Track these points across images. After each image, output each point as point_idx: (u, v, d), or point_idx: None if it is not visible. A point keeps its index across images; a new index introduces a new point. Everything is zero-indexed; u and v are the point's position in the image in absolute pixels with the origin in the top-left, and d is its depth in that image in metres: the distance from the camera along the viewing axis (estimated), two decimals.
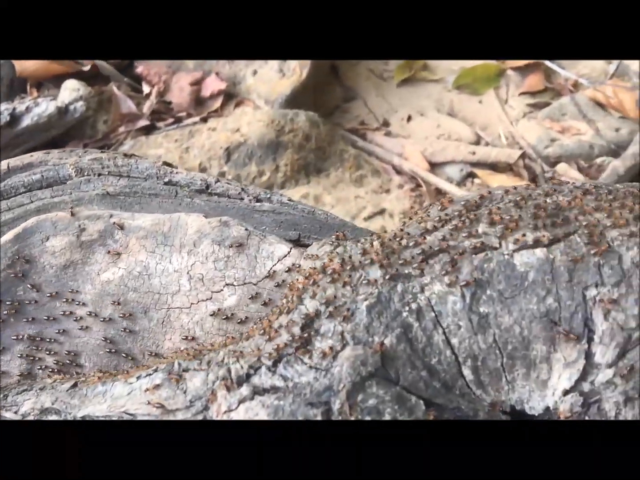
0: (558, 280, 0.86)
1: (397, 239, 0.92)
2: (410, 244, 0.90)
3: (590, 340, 0.84)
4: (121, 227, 1.07)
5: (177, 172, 1.39)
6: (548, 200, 0.93)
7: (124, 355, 1.02)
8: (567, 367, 0.84)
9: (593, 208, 0.91)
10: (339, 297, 0.85)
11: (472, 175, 3.08)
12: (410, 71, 3.56)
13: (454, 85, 3.53)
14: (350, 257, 0.92)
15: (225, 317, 0.97)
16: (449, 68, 3.68)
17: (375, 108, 3.33)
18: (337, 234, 1.02)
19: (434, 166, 3.07)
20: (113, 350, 1.02)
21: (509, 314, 0.86)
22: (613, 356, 0.83)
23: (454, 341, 0.85)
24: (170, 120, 2.74)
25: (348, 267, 0.89)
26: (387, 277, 0.87)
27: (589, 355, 0.84)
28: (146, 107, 2.70)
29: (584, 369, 0.84)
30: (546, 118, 3.45)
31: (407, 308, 0.85)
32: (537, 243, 0.88)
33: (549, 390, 0.85)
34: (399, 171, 3.02)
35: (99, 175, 1.25)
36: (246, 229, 1.04)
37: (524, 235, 0.88)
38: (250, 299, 1.00)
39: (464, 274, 0.86)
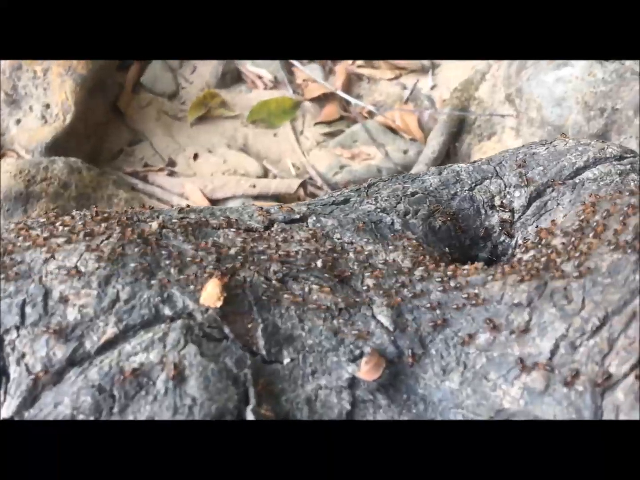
0: None
1: None
2: None
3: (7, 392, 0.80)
4: None
5: None
6: None
7: None
8: None
9: None
10: None
11: None
12: (205, 109, 3.56)
13: (248, 120, 3.55)
14: None
15: None
16: (248, 104, 3.70)
17: (162, 149, 3.31)
18: None
19: (215, 203, 3.06)
20: None
21: None
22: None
23: None
24: None
25: None
26: None
27: None
28: None
29: None
30: (338, 146, 3.52)
31: None
32: None
33: None
34: None
35: None
36: None
37: None
38: None
39: None
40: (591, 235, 0.94)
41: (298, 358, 0.91)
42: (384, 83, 3.88)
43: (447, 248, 1.15)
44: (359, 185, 1.24)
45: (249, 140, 3.47)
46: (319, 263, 0.99)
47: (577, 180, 1.18)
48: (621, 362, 0.81)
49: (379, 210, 1.12)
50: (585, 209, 1.01)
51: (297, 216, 1.07)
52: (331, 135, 3.59)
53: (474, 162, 1.29)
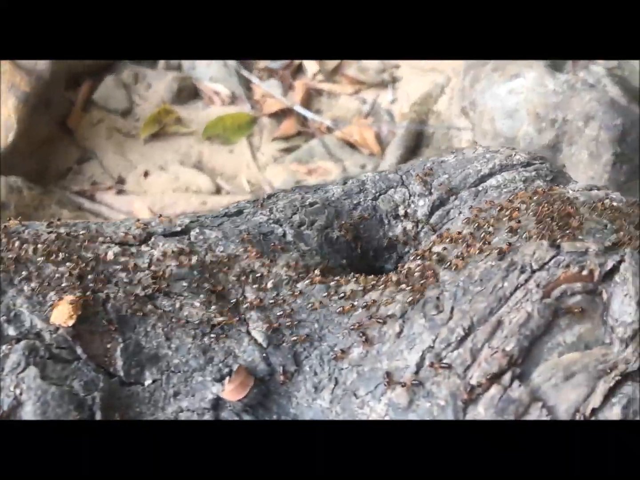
0: None
1: None
2: None
3: None
4: None
5: None
6: None
7: None
8: None
9: None
10: None
11: None
12: (160, 125, 3.52)
13: (203, 136, 3.51)
14: None
15: None
16: (204, 121, 3.66)
17: (113, 167, 3.25)
18: None
19: None
20: None
21: None
22: None
23: None
24: None
25: None
26: None
27: None
28: None
29: None
30: (294, 161, 3.48)
31: None
32: None
33: None
34: None
35: None
36: None
37: None
38: None
39: None
40: (471, 242, 0.89)
41: (161, 379, 0.85)
42: (344, 98, 3.86)
43: (345, 260, 1.10)
44: (259, 196, 1.19)
45: (204, 157, 3.42)
46: (195, 277, 0.93)
47: (480, 188, 1.13)
48: (482, 374, 0.75)
49: (271, 221, 1.07)
50: (472, 216, 0.97)
51: (178, 228, 1.01)
52: (288, 150, 3.55)
53: (382, 171, 1.25)
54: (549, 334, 0.77)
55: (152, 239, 0.98)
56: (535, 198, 0.92)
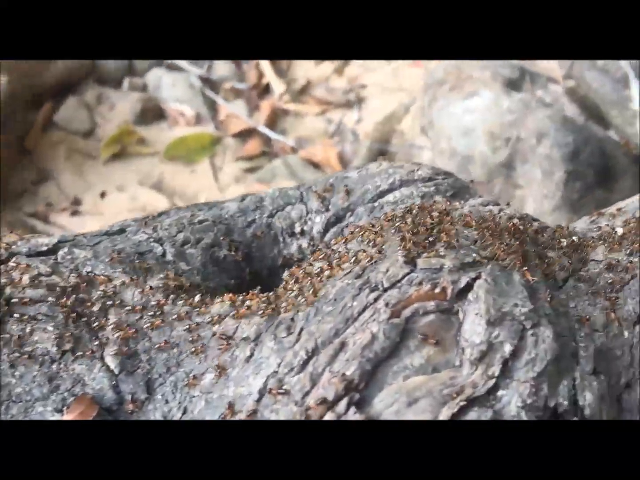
0: None
1: None
2: None
3: None
4: None
5: None
6: None
7: None
8: None
9: None
10: None
11: None
12: (120, 146, 3.48)
13: (165, 156, 3.47)
14: None
15: None
16: (168, 141, 3.63)
17: (69, 188, 3.20)
18: None
19: None
20: None
21: None
22: None
23: None
24: None
25: None
26: None
27: None
28: None
29: None
30: (256, 181, 3.43)
31: None
32: None
33: None
34: None
35: None
36: None
37: None
38: None
39: None
40: (336, 260, 0.84)
41: None
42: (311, 118, 3.83)
43: (233, 280, 1.05)
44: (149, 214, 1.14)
45: (165, 178, 3.38)
46: (54, 300, 0.88)
47: (376, 204, 1.08)
48: (317, 402, 0.69)
49: (152, 240, 1.02)
50: (348, 235, 0.92)
51: (45, 248, 0.96)
52: (252, 170, 3.51)
53: (282, 188, 1.20)
54: (396, 356, 0.71)
55: (14, 258, 0.93)
56: (407, 215, 0.86)
